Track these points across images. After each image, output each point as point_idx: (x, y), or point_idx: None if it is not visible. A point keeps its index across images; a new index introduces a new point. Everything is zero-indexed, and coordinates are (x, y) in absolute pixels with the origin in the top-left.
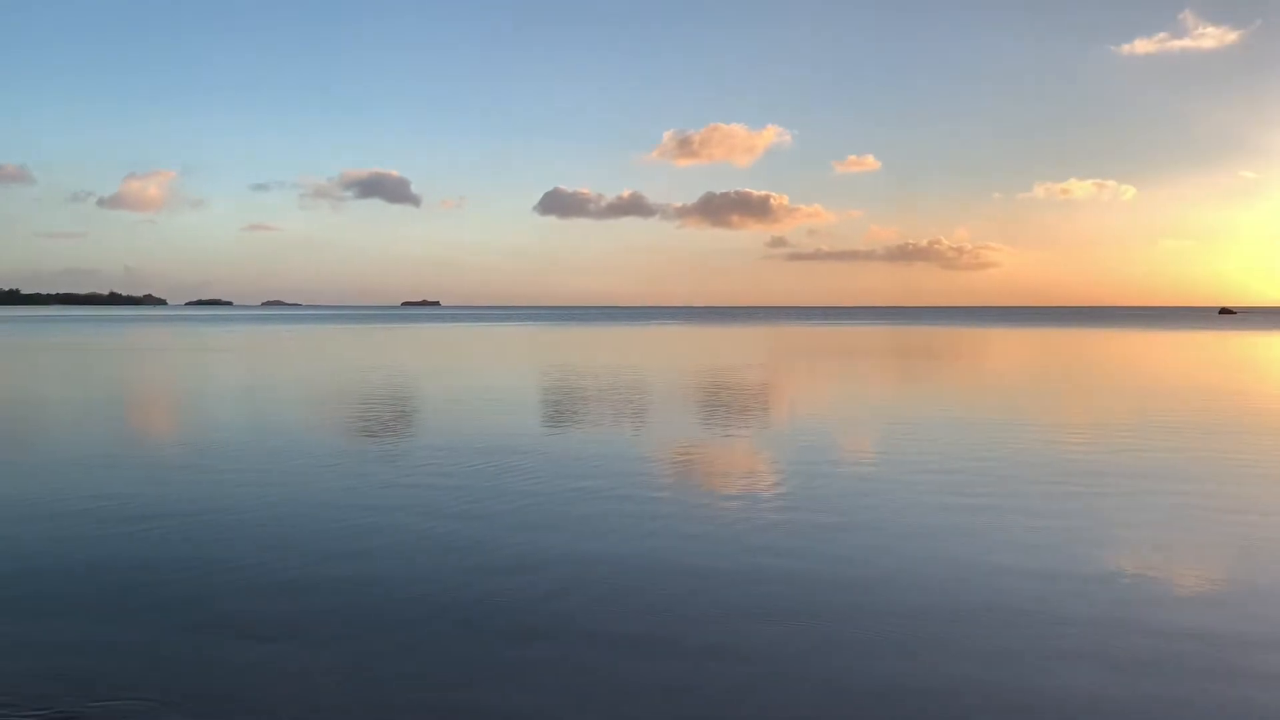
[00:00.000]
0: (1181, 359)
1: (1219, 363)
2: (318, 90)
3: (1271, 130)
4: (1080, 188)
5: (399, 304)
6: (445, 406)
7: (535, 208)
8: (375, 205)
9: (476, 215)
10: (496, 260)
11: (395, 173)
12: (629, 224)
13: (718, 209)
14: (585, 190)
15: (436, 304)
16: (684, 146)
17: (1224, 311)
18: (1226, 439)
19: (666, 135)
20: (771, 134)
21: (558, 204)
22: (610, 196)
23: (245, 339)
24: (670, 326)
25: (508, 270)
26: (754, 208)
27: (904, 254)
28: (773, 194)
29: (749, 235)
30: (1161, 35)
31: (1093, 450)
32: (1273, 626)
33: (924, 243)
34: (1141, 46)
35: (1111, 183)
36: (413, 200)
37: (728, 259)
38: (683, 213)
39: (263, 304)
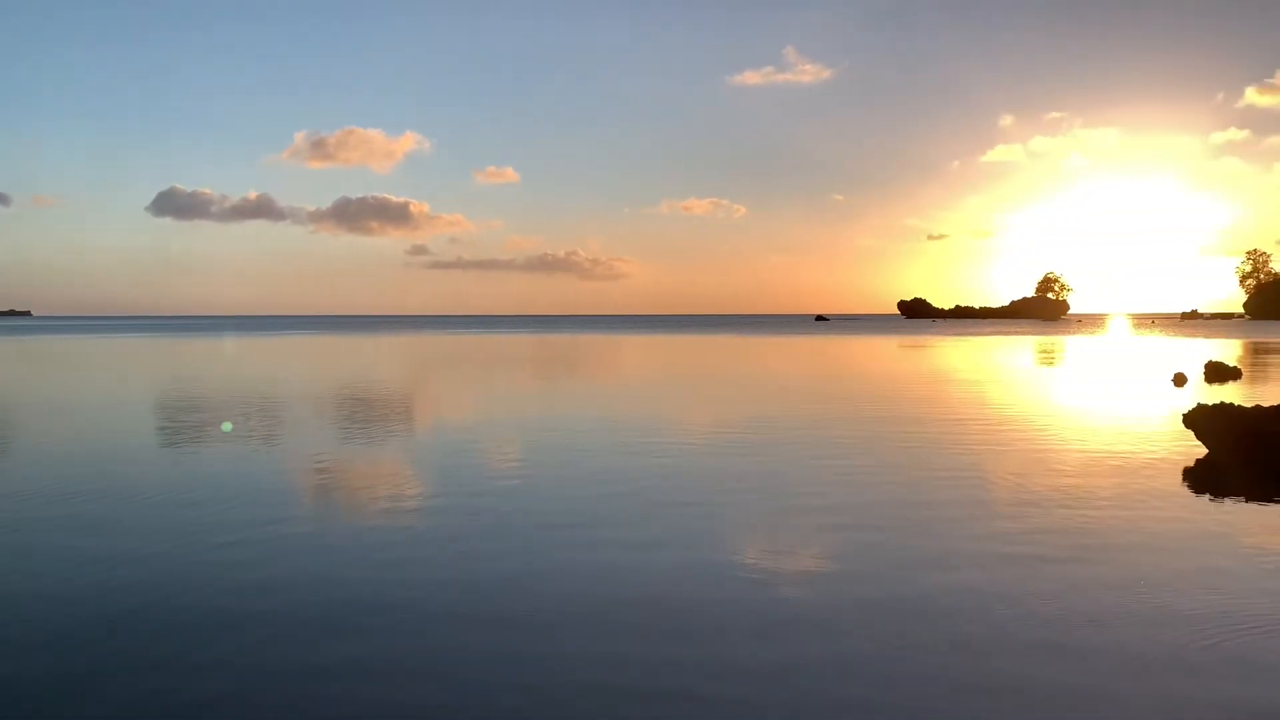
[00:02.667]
0: (784, 359)
1: (811, 361)
2: None
3: (856, 158)
4: (700, 205)
5: None
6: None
7: (148, 208)
8: None
9: (77, 215)
10: (103, 265)
11: None
12: (258, 228)
13: (355, 215)
14: (207, 190)
15: (27, 314)
16: (318, 149)
17: (820, 319)
18: (822, 429)
19: (298, 136)
20: (410, 140)
21: (174, 204)
22: (235, 198)
23: None
24: (305, 336)
25: (117, 277)
26: (393, 214)
27: (544, 264)
28: (413, 201)
29: (389, 242)
30: (768, 69)
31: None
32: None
33: (562, 253)
34: (750, 78)
35: (726, 201)
36: None
37: (367, 266)
38: (317, 217)
39: None
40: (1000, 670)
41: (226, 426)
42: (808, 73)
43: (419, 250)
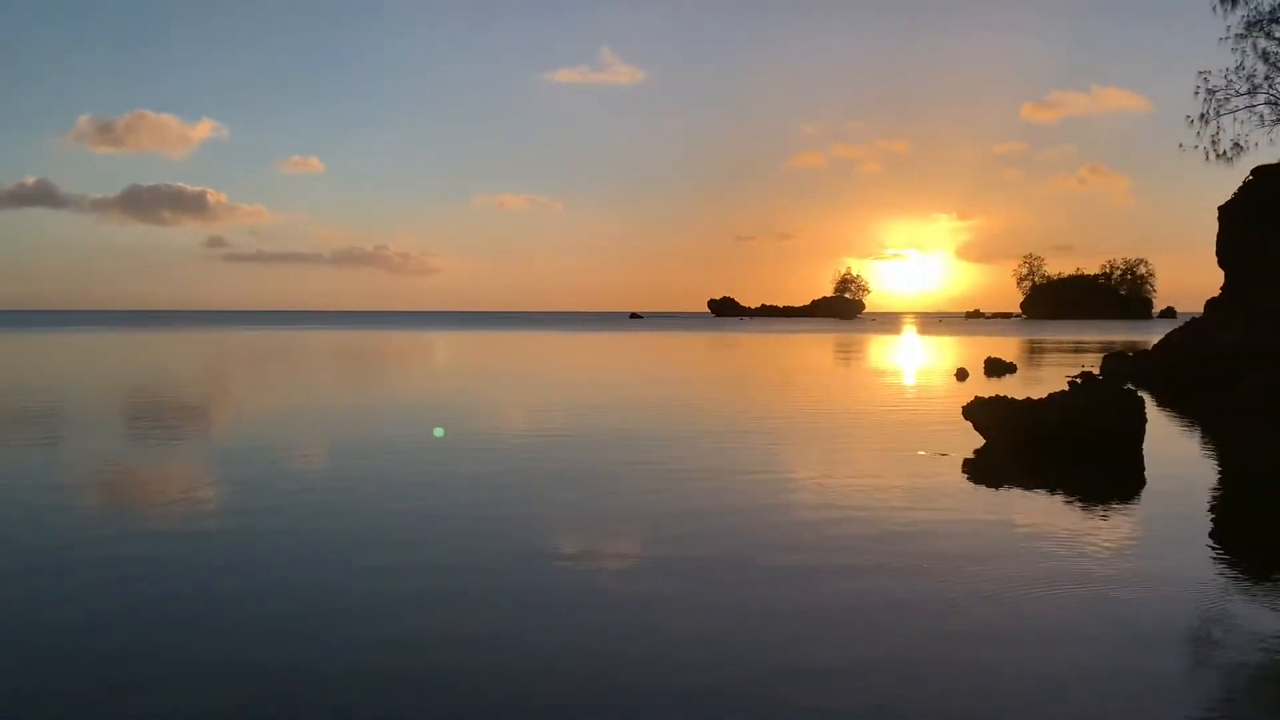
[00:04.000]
0: (600, 356)
1: (629, 357)
2: None
3: (669, 159)
4: (515, 201)
5: None
6: None
7: None
8: None
9: None
10: None
11: None
12: (35, 216)
13: (146, 204)
14: None
15: None
16: (104, 133)
17: (634, 316)
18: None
19: (82, 119)
20: (207, 127)
21: None
22: (9, 184)
23: None
24: (82, 334)
25: None
26: (189, 204)
27: (351, 258)
28: (210, 190)
29: (184, 233)
30: (583, 68)
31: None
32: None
33: (371, 247)
34: (565, 76)
35: (542, 197)
36: None
37: (159, 259)
38: (103, 206)
39: None
40: (812, 652)
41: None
42: (623, 74)
43: (216, 242)
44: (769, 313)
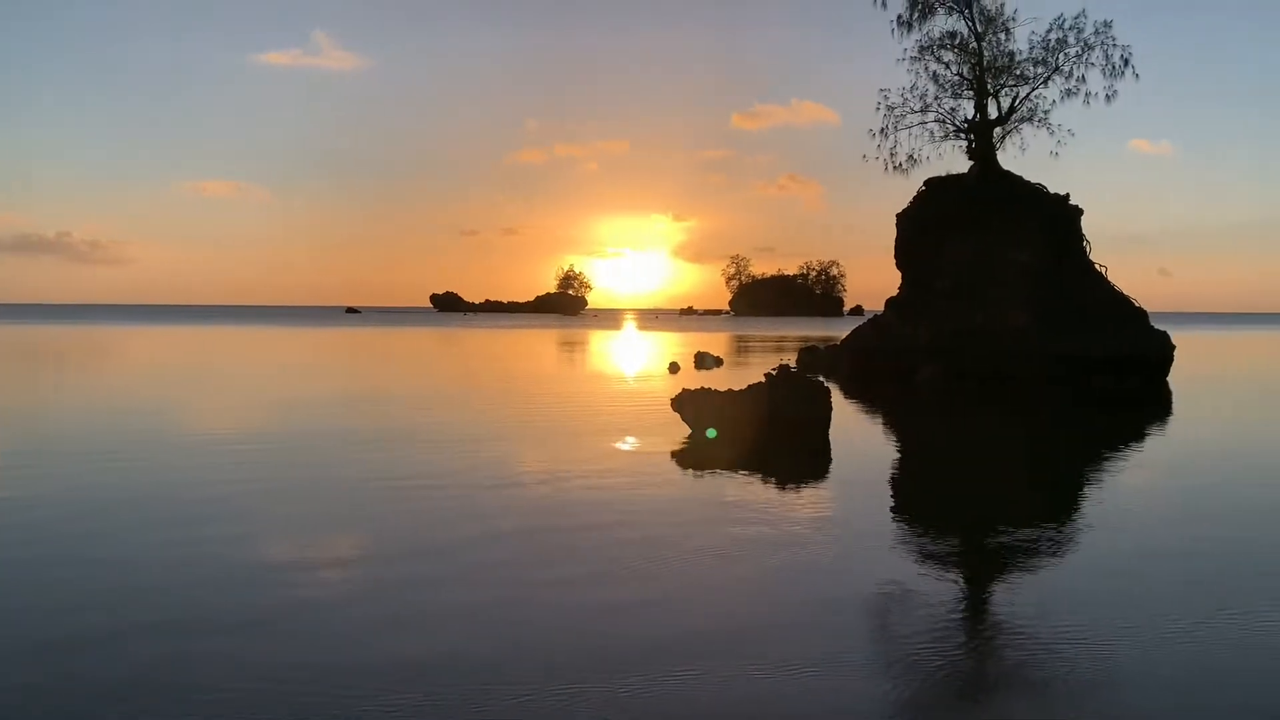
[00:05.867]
0: (302, 352)
1: (334, 356)
2: None
3: (389, 149)
4: (220, 188)
5: None
6: None
7: None
8: None
9: None
10: None
11: None
12: None
13: None
14: None
15: None
16: None
17: (351, 310)
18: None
19: None
20: None
21: None
22: None
23: None
24: None
25: None
26: None
27: (27, 245)
28: None
29: None
30: (295, 51)
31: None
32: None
33: (52, 234)
34: (275, 59)
35: (249, 184)
36: None
37: None
38: None
39: None
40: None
41: (711, 433)
42: (338, 59)
43: None
44: (494, 308)
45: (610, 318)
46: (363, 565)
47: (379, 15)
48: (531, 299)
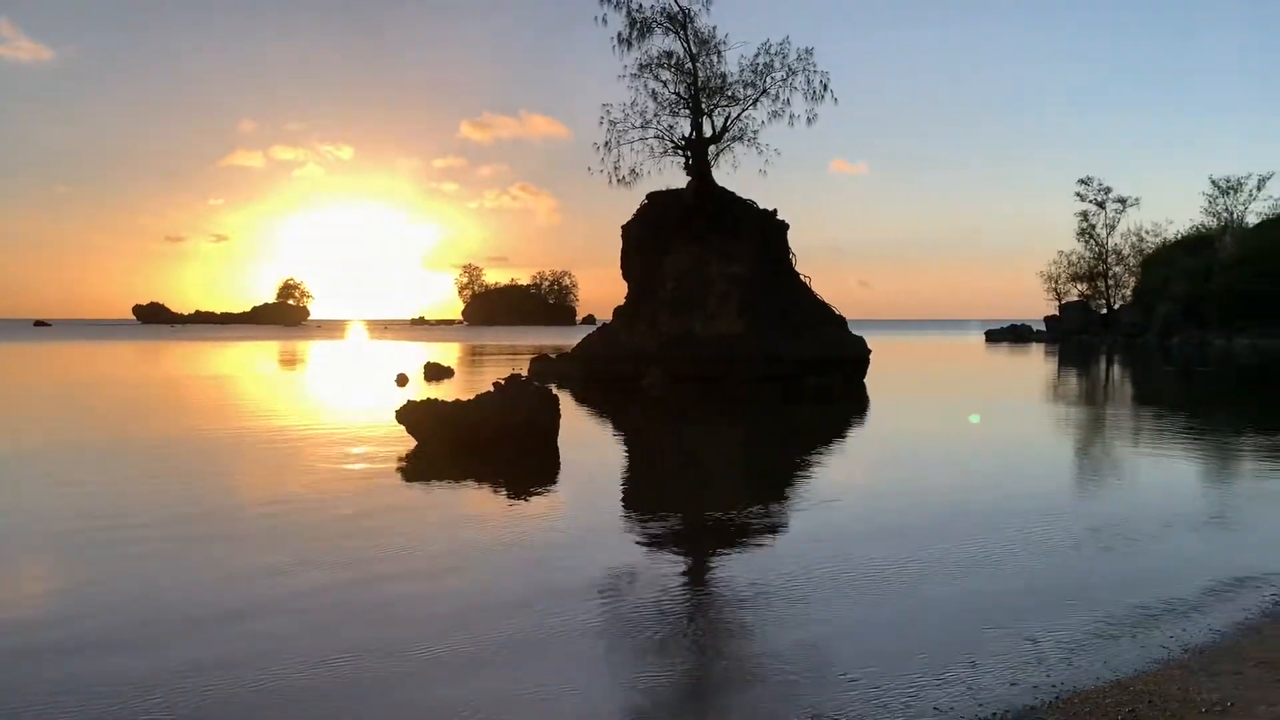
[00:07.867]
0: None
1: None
2: None
3: (83, 149)
4: None
5: None
6: None
7: None
8: None
9: None
10: None
11: None
12: None
13: None
14: None
15: None
16: None
17: (40, 324)
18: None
19: None
20: None
21: None
22: None
23: None
24: None
25: None
26: None
27: None
28: None
29: None
30: None
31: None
32: None
33: None
34: None
35: None
36: None
37: None
38: None
39: None
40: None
41: (974, 418)
42: (25, 49)
43: None
44: (205, 319)
45: (335, 328)
46: None
47: (74, 3)
48: (248, 309)
